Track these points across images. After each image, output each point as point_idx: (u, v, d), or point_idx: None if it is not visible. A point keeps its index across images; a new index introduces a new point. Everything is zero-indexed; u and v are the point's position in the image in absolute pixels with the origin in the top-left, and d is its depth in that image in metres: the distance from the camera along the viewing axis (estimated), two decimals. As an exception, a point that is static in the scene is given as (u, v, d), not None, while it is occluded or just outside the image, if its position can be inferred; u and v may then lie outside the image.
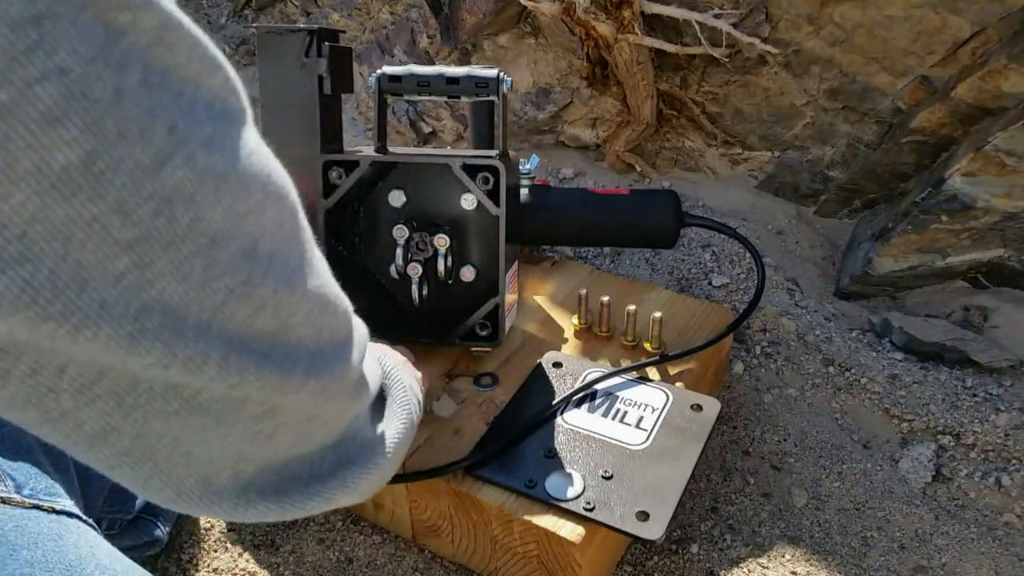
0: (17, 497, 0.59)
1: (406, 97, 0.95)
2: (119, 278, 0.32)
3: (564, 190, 1.13)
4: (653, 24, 1.34)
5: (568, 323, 1.09)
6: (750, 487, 1.02)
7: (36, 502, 0.59)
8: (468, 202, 0.94)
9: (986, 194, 1.13)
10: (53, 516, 0.59)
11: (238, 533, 0.95)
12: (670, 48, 1.32)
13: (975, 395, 1.11)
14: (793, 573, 0.91)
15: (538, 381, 0.97)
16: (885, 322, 1.23)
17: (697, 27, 1.26)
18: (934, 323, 1.22)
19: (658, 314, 1.01)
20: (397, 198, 0.96)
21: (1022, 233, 1.16)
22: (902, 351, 1.19)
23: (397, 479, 0.87)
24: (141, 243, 0.32)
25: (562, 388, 0.95)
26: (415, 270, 0.95)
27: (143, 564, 0.62)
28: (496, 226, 0.93)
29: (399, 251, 0.95)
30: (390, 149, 0.95)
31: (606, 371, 0.97)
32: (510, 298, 0.99)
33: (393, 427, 0.57)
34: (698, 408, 0.92)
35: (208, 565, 0.92)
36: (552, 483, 0.82)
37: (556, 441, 0.88)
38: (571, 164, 1.59)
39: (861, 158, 1.34)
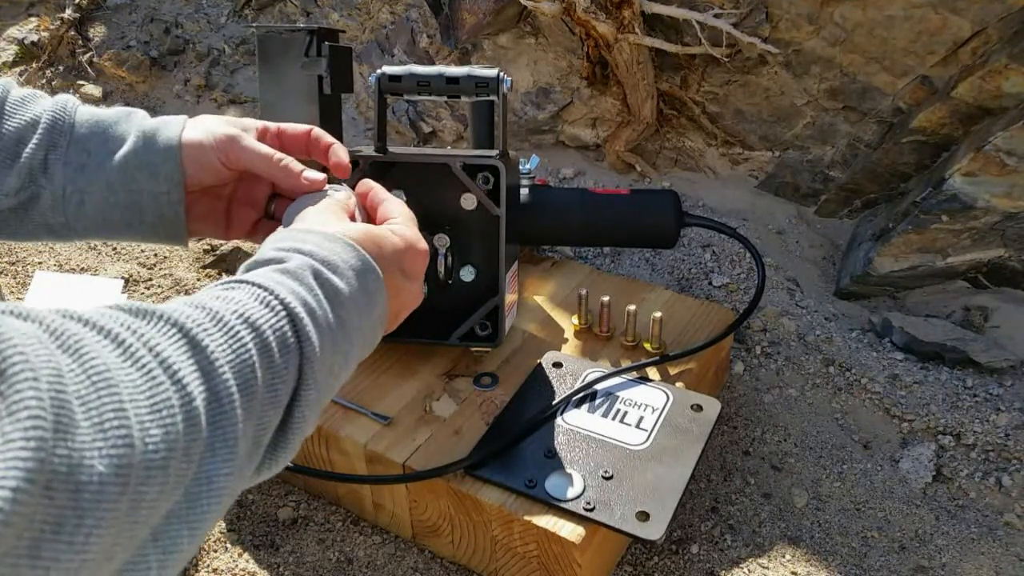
0: None
1: (406, 97, 0.95)
2: None
3: (564, 190, 1.13)
4: (653, 24, 1.34)
5: (568, 323, 1.09)
6: (750, 487, 1.02)
7: None
8: (468, 202, 0.94)
9: (986, 194, 1.13)
10: None
11: (238, 533, 0.95)
12: (670, 48, 1.31)
13: (975, 395, 1.11)
14: (793, 573, 0.91)
15: (538, 381, 0.96)
16: (885, 322, 1.23)
17: (697, 27, 1.26)
18: (934, 323, 1.22)
19: (658, 314, 1.01)
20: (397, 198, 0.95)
21: (1022, 233, 1.16)
22: (902, 351, 1.19)
23: (398, 479, 0.87)
24: None
25: (562, 388, 0.95)
26: None
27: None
28: (496, 226, 0.93)
29: None
30: (390, 149, 0.95)
31: (606, 371, 0.97)
32: (510, 298, 0.99)
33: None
34: (698, 408, 0.92)
35: (208, 565, 0.92)
36: (552, 483, 0.82)
37: (556, 441, 0.88)
38: (571, 164, 1.59)
39: (861, 158, 1.34)
